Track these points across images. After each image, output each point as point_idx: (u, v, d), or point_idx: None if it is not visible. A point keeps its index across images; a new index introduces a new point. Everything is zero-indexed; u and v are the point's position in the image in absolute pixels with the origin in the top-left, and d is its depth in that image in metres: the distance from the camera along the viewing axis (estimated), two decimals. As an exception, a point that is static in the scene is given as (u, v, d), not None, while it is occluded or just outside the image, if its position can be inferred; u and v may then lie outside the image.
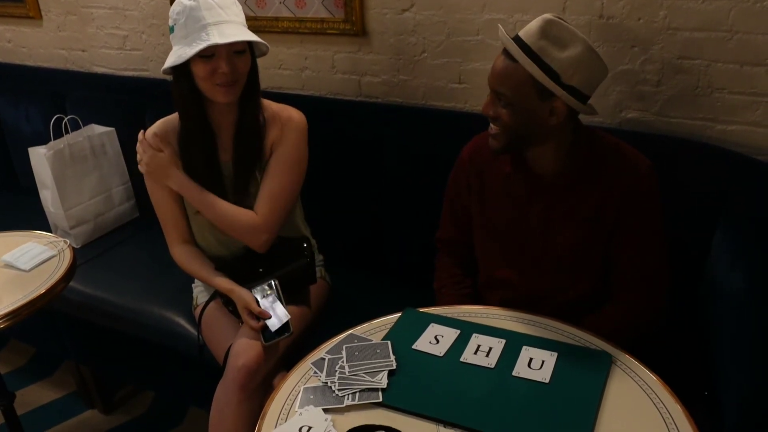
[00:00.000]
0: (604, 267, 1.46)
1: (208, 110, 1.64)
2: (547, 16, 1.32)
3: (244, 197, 1.69)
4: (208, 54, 1.50)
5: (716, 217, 1.54)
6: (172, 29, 1.56)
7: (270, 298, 1.59)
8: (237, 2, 1.58)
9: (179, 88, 1.59)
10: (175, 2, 1.56)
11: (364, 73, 2.16)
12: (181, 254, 1.74)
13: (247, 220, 1.65)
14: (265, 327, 1.55)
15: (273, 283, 1.60)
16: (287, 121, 1.68)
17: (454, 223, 1.63)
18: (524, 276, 1.50)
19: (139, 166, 1.70)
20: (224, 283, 1.64)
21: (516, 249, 1.51)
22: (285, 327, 1.55)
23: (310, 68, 2.26)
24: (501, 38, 1.35)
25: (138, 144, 1.70)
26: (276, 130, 1.68)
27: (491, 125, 1.40)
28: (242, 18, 1.58)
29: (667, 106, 1.73)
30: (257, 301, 1.57)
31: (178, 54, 1.52)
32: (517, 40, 1.32)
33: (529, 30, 1.32)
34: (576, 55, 1.29)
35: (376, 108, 2.15)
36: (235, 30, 1.51)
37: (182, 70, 1.54)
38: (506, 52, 1.33)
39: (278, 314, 1.56)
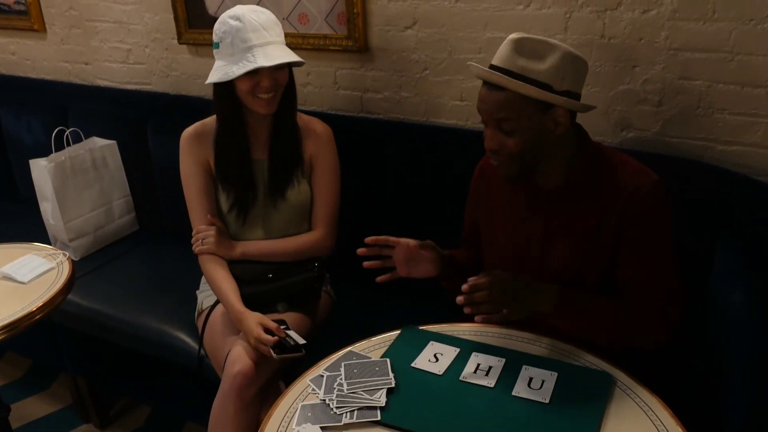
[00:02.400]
0: (603, 285, 1.43)
1: (245, 115, 1.74)
2: (513, 36, 1.31)
3: (277, 199, 1.77)
4: (253, 72, 1.61)
5: (716, 237, 1.54)
6: (217, 45, 1.66)
7: (283, 326, 1.60)
8: (278, 23, 1.69)
9: (220, 96, 1.70)
10: (219, 21, 1.66)
11: (366, 90, 2.17)
12: (207, 260, 1.75)
13: (313, 241, 1.80)
14: (278, 343, 1.54)
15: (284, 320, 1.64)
16: (320, 134, 1.81)
17: (468, 229, 1.65)
18: None
19: (198, 249, 1.77)
20: (235, 299, 1.67)
21: (516, 263, 1.49)
22: (297, 347, 1.54)
23: (312, 84, 2.27)
24: (477, 74, 1.33)
25: (195, 236, 1.78)
26: (311, 141, 1.80)
27: (492, 160, 1.38)
28: (282, 36, 1.69)
29: (667, 126, 1.73)
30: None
31: (224, 71, 1.62)
32: (496, 68, 1.30)
33: (502, 55, 1.31)
34: (558, 61, 1.28)
35: (377, 124, 2.16)
36: (278, 51, 1.63)
37: (225, 83, 1.65)
38: (489, 85, 1.31)
39: (292, 336, 1.57)
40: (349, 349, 1.39)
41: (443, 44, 1.97)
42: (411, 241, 1.48)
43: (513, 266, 1.49)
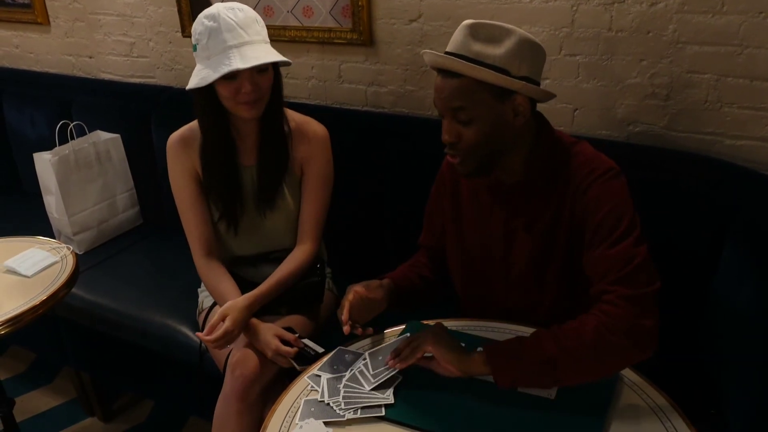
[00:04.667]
0: (564, 284, 1.35)
1: (230, 120, 1.66)
2: (467, 21, 1.26)
3: (267, 207, 1.71)
4: (231, 76, 1.52)
5: (724, 232, 1.52)
6: (195, 48, 1.57)
7: (295, 335, 1.56)
8: (258, 19, 1.58)
9: (202, 103, 1.62)
10: (196, 21, 1.57)
11: (371, 83, 2.16)
12: (207, 271, 1.70)
13: (304, 260, 1.70)
14: (297, 354, 1.51)
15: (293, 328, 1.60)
16: (313, 136, 1.72)
17: (432, 234, 1.58)
18: (494, 291, 1.44)
19: (215, 344, 1.56)
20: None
21: (481, 262, 1.44)
22: (318, 356, 1.49)
23: (316, 77, 2.26)
24: (431, 61, 1.28)
25: (212, 341, 1.54)
26: (303, 145, 1.72)
27: (449, 156, 1.31)
28: (264, 34, 1.59)
29: (675, 120, 1.72)
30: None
31: (201, 76, 1.53)
32: (451, 55, 1.24)
33: (456, 42, 1.26)
34: (514, 46, 1.22)
35: (382, 118, 2.15)
36: (257, 51, 1.53)
37: (205, 88, 1.55)
38: (443, 72, 1.26)
39: (309, 345, 1.53)
40: (338, 348, 1.38)
41: (448, 38, 1.90)
42: (358, 295, 1.38)
43: (479, 267, 1.45)
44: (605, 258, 1.22)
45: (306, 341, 1.53)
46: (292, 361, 1.50)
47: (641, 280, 1.18)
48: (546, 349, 1.17)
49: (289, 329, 1.58)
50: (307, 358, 1.48)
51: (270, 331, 1.56)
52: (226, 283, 1.66)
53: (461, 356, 1.23)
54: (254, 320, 1.59)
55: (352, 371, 1.29)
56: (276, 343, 1.53)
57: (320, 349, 1.50)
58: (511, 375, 1.20)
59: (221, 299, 1.64)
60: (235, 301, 1.58)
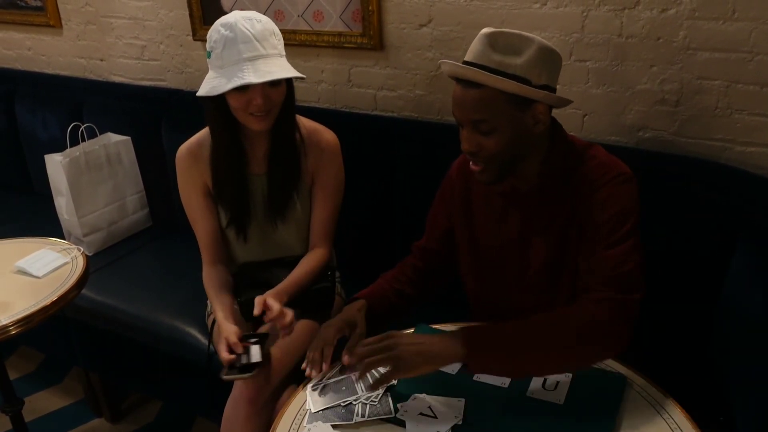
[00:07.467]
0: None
1: (241, 128, 1.64)
2: (486, 30, 1.25)
3: (275, 217, 1.70)
4: (243, 88, 1.50)
5: (734, 238, 1.52)
6: (209, 54, 1.54)
7: (252, 340, 1.51)
8: (275, 32, 1.55)
9: (212, 110, 1.61)
10: (212, 28, 1.54)
11: (380, 88, 2.17)
12: (207, 276, 1.72)
13: (319, 263, 1.71)
14: (232, 364, 1.45)
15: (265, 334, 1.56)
16: (325, 145, 1.71)
17: (434, 238, 1.57)
18: (508, 294, 1.44)
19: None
20: (220, 312, 1.59)
21: (496, 266, 1.44)
22: (248, 367, 1.45)
23: (326, 81, 2.27)
24: (451, 71, 1.27)
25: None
26: (314, 154, 1.70)
27: (472, 164, 1.32)
28: (280, 48, 1.56)
29: (685, 126, 1.72)
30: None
31: (213, 84, 1.51)
32: (471, 64, 1.23)
33: (475, 51, 1.24)
34: (534, 55, 1.22)
35: (391, 122, 2.15)
36: (270, 66, 1.51)
37: (217, 96, 1.53)
38: (463, 82, 1.25)
39: (252, 354, 1.47)
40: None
41: (458, 42, 1.96)
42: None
43: (493, 271, 1.46)
44: (600, 257, 1.24)
45: (253, 348, 1.47)
46: (225, 368, 1.45)
47: (629, 286, 1.21)
48: (527, 344, 1.20)
49: (263, 335, 1.53)
50: (235, 368, 1.44)
51: (225, 334, 1.50)
52: (223, 297, 1.64)
53: (437, 338, 1.22)
54: (221, 320, 1.55)
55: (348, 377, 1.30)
56: (220, 347, 1.48)
57: (257, 359, 1.45)
58: (486, 363, 1.21)
59: (216, 311, 1.61)
60: (267, 293, 1.53)
